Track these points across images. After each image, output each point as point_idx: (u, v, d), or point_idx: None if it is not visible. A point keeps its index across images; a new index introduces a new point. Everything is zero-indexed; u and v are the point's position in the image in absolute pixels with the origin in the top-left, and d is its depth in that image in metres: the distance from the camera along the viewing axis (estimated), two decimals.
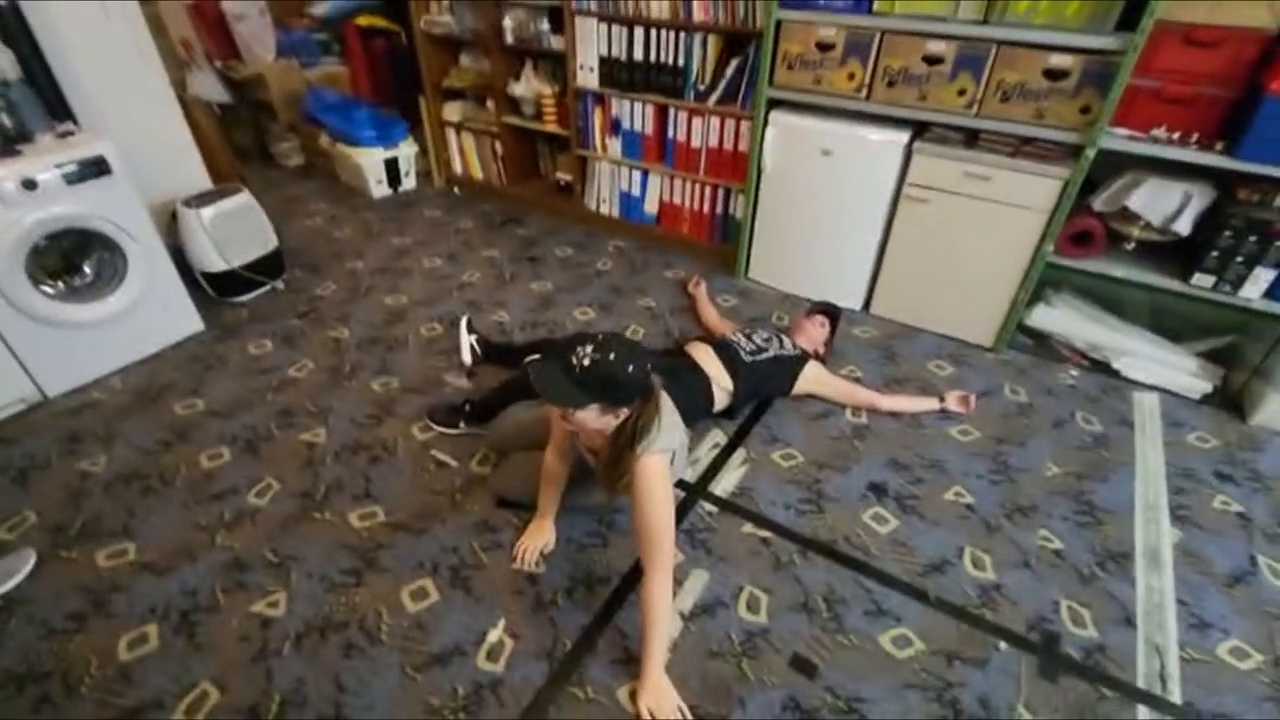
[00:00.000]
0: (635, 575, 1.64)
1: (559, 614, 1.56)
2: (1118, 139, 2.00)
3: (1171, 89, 1.92)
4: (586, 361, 1.24)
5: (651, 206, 3.22)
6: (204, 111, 3.66)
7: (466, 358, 2.32)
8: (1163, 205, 2.05)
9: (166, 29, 3.90)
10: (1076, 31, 1.93)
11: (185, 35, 3.89)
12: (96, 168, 2.09)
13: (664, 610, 1.37)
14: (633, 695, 1.38)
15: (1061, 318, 2.46)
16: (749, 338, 2.18)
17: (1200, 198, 2.03)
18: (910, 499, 1.89)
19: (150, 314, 2.37)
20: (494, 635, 1.51)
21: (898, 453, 2.05)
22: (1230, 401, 2.27)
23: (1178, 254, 2.14)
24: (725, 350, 2.10)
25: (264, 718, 1.34)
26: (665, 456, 1.38)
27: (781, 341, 2.21)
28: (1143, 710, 1.40)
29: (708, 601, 1.59)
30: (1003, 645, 1.51)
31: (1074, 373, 2.43)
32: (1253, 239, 1.94)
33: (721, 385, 2.04)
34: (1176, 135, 1.95)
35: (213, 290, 2.68)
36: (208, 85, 3.88)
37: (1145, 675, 1.47)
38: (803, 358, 2.20)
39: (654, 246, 3.24)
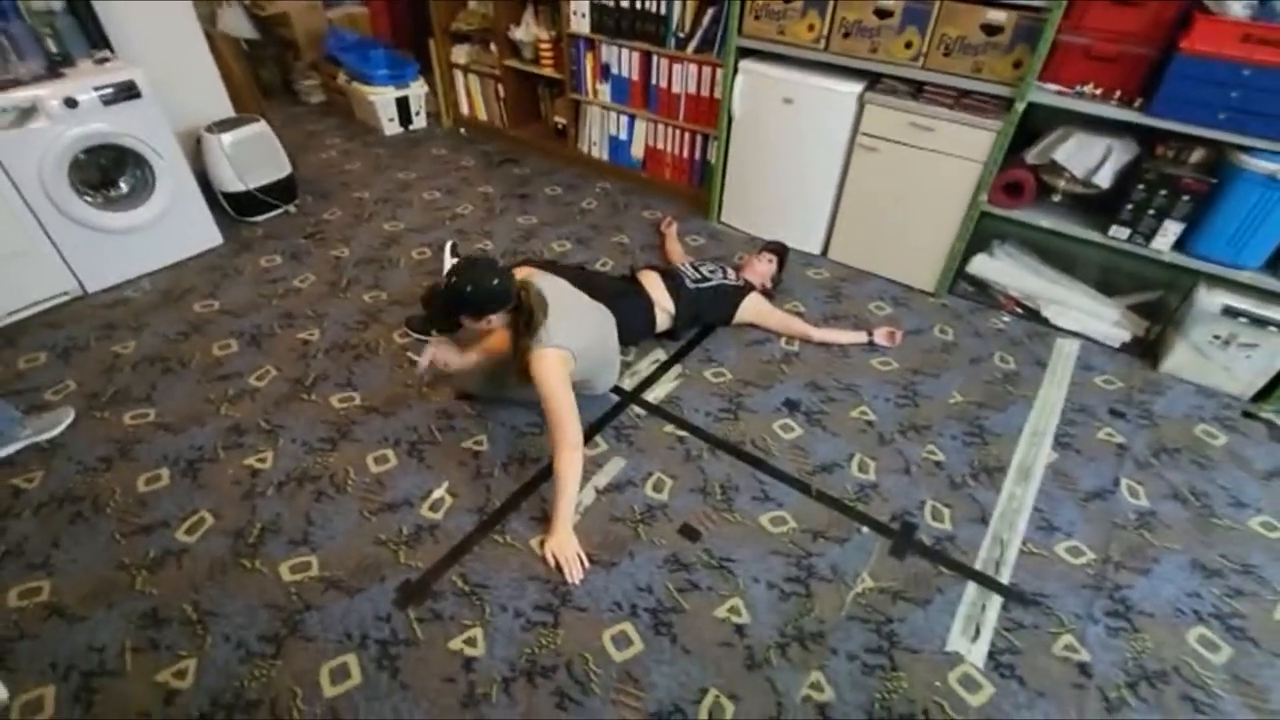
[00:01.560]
0: None
1: (494, 482, 1.86)
2: (1047, 94, 2.13)
3: (1099, 47, 2.04)
4: (444, 286, 1.60)
5: (638, 150, 3.42)
6: (230, 46, 3.92)
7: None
8: (1086, 159, 2.19)
9: None
10: None
11: None
12: (128, 91, 2.38)
13: (568, 479, 1.65)
14: (542, 544, 1.68)
15: (1001, 267, 2.61)
16: (695, 268, 2.41)
17: (1121, 152, 2.16)
18: (819, 414, 2.13)
19: (176, 225, 2.70)
20: (438, 493, 1.82)
21: (818, 377, 2.28)
22: (1148, 350, 2.42)
23: (1101, 207, 2.27)
24: (672, 278, 2.34)
25: (247, 538, 1.69)
26: (559, 353, 1.65)
27: (726, 273, 2.43)
28: (971, 586, 1.65)
29: (620, 482, 1.88)
30: (864, 530, 1.77)
31: (1006, 318, 2.60)
32: (1163, 193, 2.07)
33: (664, 308, 2.29)
34: (1100, 91, 2.07)
35: (231, 210, 3.00)
36: (236, 21, 4.14)
37: (983, 561, 1.71)
38: (744, 289, 2.42)
39: (637, 189, 3.45)
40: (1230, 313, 2.12)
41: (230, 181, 2.90)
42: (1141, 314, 2.49)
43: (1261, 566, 1.72)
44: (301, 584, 1.59)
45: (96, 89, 2.33)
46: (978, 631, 1.56)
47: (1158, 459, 2.02)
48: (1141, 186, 2.10)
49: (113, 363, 2.25)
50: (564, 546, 1.64)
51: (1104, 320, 2.47)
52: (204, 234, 2.83)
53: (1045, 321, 2.55)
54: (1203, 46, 1.83)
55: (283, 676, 1.41)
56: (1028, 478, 1.94)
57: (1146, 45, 1.97)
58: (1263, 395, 2.22)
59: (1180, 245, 2.15)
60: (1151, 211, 2.12)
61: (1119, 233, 2.20)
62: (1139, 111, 2.01)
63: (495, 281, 1.61)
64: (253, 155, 2.93)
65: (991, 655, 1.51)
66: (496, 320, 1.66)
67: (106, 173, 2.59)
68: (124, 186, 2.63)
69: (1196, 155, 2.07)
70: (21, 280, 2.39)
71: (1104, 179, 2.17)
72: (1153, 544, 1.77)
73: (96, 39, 2.57)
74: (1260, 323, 2.08)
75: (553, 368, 1.63)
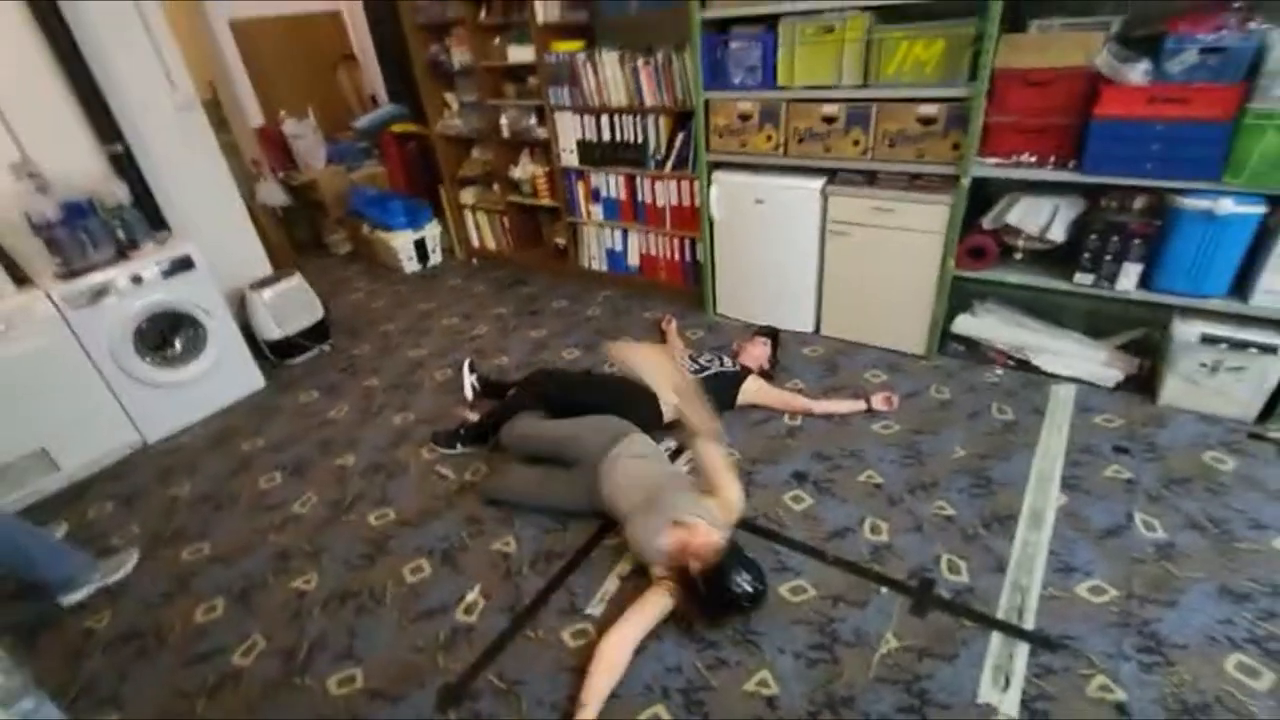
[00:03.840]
0: (587, 549, 2.03)
1: (522, 580, 1.96)
2: (986, 167, 2.36)
3: (1025, 121, 2.28)
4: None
5: (634, 259, 3.72)
6: (267, 213, 4.44)
7: (468, 393, 2.81)
8: (1037, 218, 2.38)
9: (240, 151, 4.79)
10: (936, 85, 2.34)
11: (255, 155, 4.76)
12: (184, 264, 2.74)
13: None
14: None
15: (985, 324, 2.75)
16: (694, 359, 2.59)
17: (1068, 208, 2.35)
18: (827, 482, 2.21)
19: (224, 375, 2.99)
20: (471, 596, 1.92)
21: (823, 447, 2.38)
22: (1144, 386, 2.49)
23: (1063, 258, 2.43)
24: None
25: (297, 657, 1.79)
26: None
27: (723, 361, 2.61)
28: (995, 636, 1.66)
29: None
30: (883, 590, 1.81)
31: (999, 372, 2.70)
32: (1115, 239, 2.24)
33: (668, 400, 2.44)
34: (1035, 159, 2.30)
35: (272, 355, 3.31)
36: (273, 193, 4.69)
37: (1005, 610, 1.73)
38: (743, 374, 2.58)
39: (637, 293, 3.72)
40: (1209, 340, 2.21)
41: (271, 330, 3.22)
42: (1132, 352, 2.58)
43: None
44: (348, 697, 1.67)
45: (157, 264, 2.69)
46: (1008, 681, 1.56)
47: (1169, 490, 2.05)
48: (1094, 236, 2.27)
49: (170, 505, 2.45)
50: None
51: (1095, 362, 2.56)
52: (249, 379, 3.11)
53: (1038, 370, 2.64)
54: (1114, 111, 2.06)
55: None
56: (1039, 523, 1.98)
57: (1066, 116, 2.20)
58: (1266, 415, 2.26)
59: (1146, 284, 2.28)
60: (1109, 257, 2.27)
61: (1083, 279, 2.34)
62: (1074, 171, 2.22)
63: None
64: (290, 305, 3.27)
65: (1024, 704, 1.51)
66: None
67: (163, 335, 2.91)
68: (178, 346, 2.94)
69: (1140, 202, 2.25)
70: (91, 437, 2.65)
71: (1057, 234, 2.34)
72: (1175, 575, 1.77)
73: (157, 223, 2.98)
74: (1239, 345, 2.17)
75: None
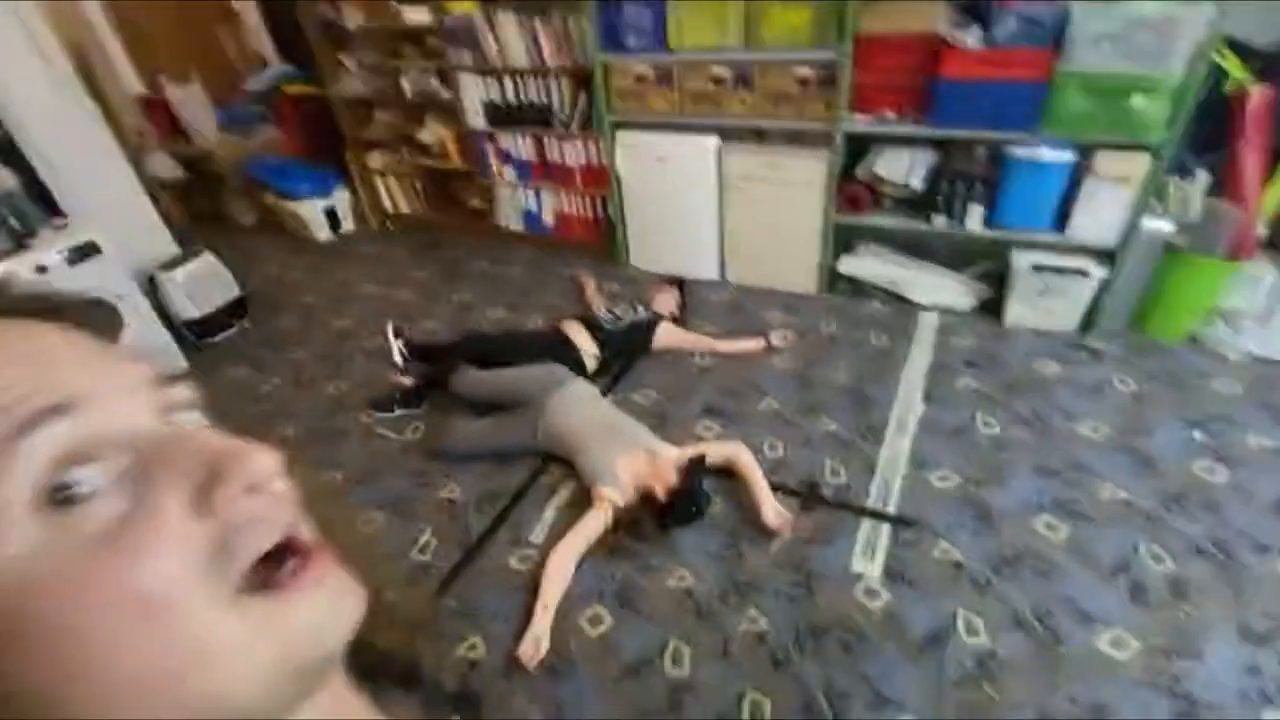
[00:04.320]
0: (524, 488, 2.27)
1: (470, 520, 2.19)
2: (856, 123, 2.66)
3: (887, 80, 2.58)
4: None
5: (549, 218, 3.86)
6: (166, 191, 4.26)
7: (397, 359, 2.94)
8: (898, 168, 2.72)
9: (120, 122, 4.51)
10: (808, 49, 2.59)
11: (138, 125, 4.50)
12: (89, 250, 2.70)
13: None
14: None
15: (865, 263, 3.11)
16: (610, 311, 2.83)
17: (925, 159, 2.69)
18: (732, 412, 2.54)
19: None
20: (424, 539, 2.14)
21: (729, 382, 2.69)
22: (993, 310, 2.93)
23: (924, 204, 2.79)
24: (591, 324, 2.74)
25: None
26: None
27: (637, 309, 2.86)
28: (866, 522, 2.05)
29: (577, 498, 2.23)
30: (779, 495, 2.16)
31: (878, 305, 3.09)
32: (962, 185, 2.61)
33: (589, 352, 2.68)
34: (895, 115, 2.61)
35: (193, 335, 3.29)
36: (164, 165, 4.48)
37: (873, 500, 2.12)
38: (655, 320, 2.84)
39: (555, 252, 3.88)
40: (1038, 269, 2.64)
41: (188, 310, 3.20)
42: (985, 281, 3.01)
43: (1089, 463, 2.18)
44: None
45: (59, 252, 2.64)
46: (874, 554, 1.95)
47: (1005, 394, 2.49)
48: (945, 182, 2.63)
49: None
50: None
51: (954, 292, 2.98)
52: (170, 361, 3.10)
53: (909, 301, 3.04)
54: (955, 72, 2.38)
55: None
56: (904, 429, 2.38)
57: (919, 76, 2.51)
58: (1086, 328, 2.73)
59: (989, 223, 2.67)
60: (958, 200, 2.64)
61: (939, 220, 2.72)
62: (927, 125, 2.55)
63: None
64: (203, 284, 3.25)
65: (886, 570, 1.90)
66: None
67: None
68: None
69: (981, 152, 2.62)
70: None
71: (916, 182, 2.69)
72: (1005, 459, 2.21)
73: (51, 209, 2.88)
74: (1060, 271, 2.61)
75: None
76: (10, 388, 0.25)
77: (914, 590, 1.84)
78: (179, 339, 3.18)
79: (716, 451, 2.26)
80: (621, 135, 3.14)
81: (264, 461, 0.28)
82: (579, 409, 2.29)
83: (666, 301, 2.97)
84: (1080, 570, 1.84)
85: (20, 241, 2.65)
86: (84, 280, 2.69)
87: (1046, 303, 2.72)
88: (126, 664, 0.24)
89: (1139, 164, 2.29)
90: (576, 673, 1.72)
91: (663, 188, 3.19)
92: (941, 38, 2.38)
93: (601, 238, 3.74)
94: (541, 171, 3.66)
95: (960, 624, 1.74)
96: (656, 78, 2.89)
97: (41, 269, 2.57)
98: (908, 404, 2.49)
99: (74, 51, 4.33)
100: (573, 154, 3.49)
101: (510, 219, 3.98)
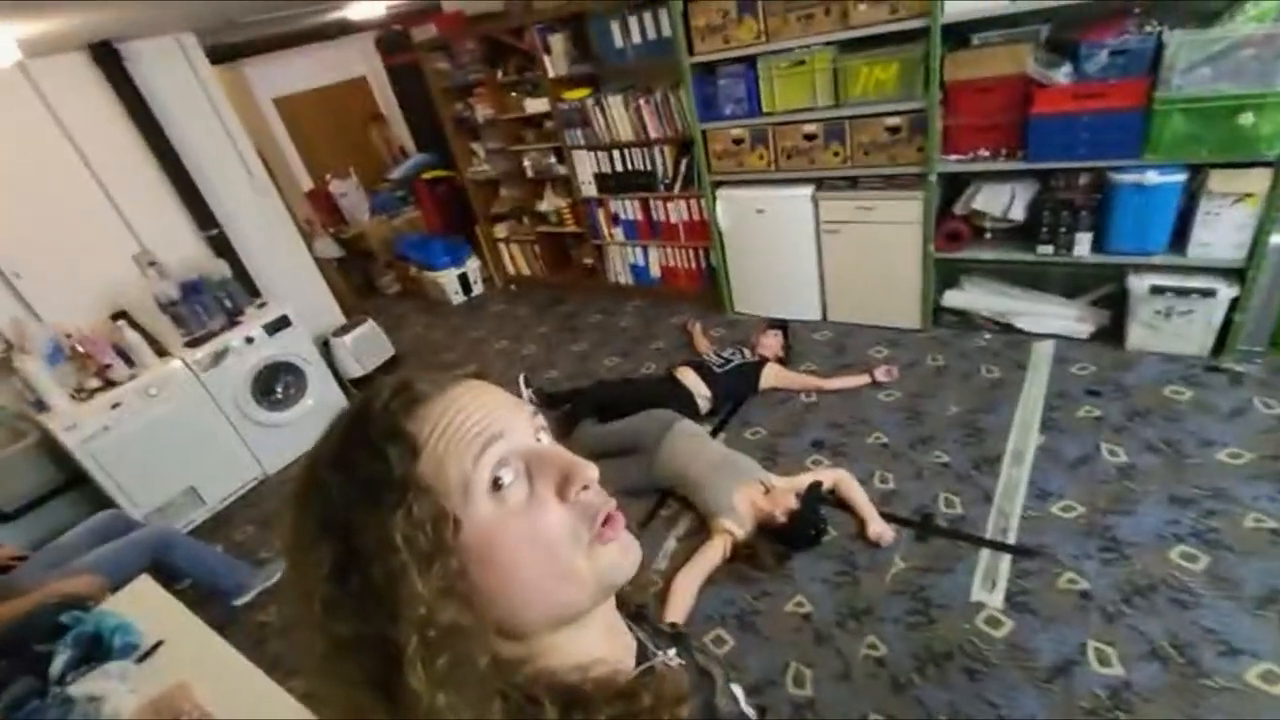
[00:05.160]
0: (647, 520, 2.48)
1: None
2: (949, 164, 2.75)
3: (977, 122, 2.67)
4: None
5: (656, 271, 4.17)
6: (328, 268, 5.00)
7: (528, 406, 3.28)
8: (997, 202, 2.76)
9: (295, 213, 5.36)
10: (897, 99, 2.74)
11: (308, 215, 5.33)
12: (282, 323, 3.28)
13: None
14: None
15: (971, 296, 3.12)
16: (718, 354, 3.03)
17: (1024, 191, 2.73)
18: (841, 446, 2.63)
19: (322, 411, 3.51)
20: None
21: (836, 417, 2.79)
22: (1113, 336, 2.85)
23: (1027, 234, 2.80)
24: (702, 368, 2.95)
25: None
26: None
27: (743, 354, 3.04)
28: (984, 552, 2.07)
29: (693, 529, 2.41)
30: (893, 526, 2.22)
31: (986, 337, 3.08)
32: (1065, 213, 2.61)
33: (701, 394, 2.88)
34: (988, 153, 2.68)
35: (356, 390, 3.83)
36: (327, 247, 5.26)
37: (992, 531, 2.13)
38: (761, 363, 3.01)
39: (662, 301, 4.16)
40: (1157, 290, 2.57)
41: (354, 369, 3.75)
42: (1103, 306, 2.93)
43: (1230, 489, 2.08)
44: None
45: (262, 325, 3.23)
46: (994, 584, 1.97)
47: (1132, 421, 2.42)
48: (1047, 212, 2.64)
49: None
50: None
51: (1069, 319, 2.92)
52: None
53: (1020, 331, 3.01)
54: (1047, 108, 2.44)
55: None
56: (1021, 460, 2.37)
57: (1010, 114, 2.58)
58: (1219, 349, 2.60)
59: (1099, 248, 2.64)
60: (1063, 228, 2.64)
61: (1044, 250, 2.72)
62: (1022, 160, 2.60)
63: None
64: (367, 346, 3.80)
65: (1008, 599, 1.91)
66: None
67: (269, 382, 3.45)
68: (280, 392, 3.48)
69: (1084, 179, 2.62)
70: (226, 473, 3.21)
71: (1017, 213, 2.72)
72: (1133, 489, 2.15)
73: (252, 290, 3.53)
74: (1183, 292, 2.52)
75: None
76: (478, 421, 0.48)
77: (1038, 619, 1.84)
78: (347, 396, 3.72)
79: (822, 479, 2.36)
80: (721, 192, 3.40)
81: (591, 471, 0.50)
82: (691, 448, 2.48)
83: (771, 344, 3.13)
84: (1222, 601, 1.76)
85: (232, 319, 3.27)
86: (280, 347, 3.27)
87: (1172, 325, 2.63)
88: (531, 577, 0.46)
89: (1260, 179, 2.22)
90: None
91: (762, 237, 3.40)
92: (1030, 77, 2.46)
93: (705, 286, 3.98)
94: (648, 229, 3.98)
95: (1090, 654, 1.72)
96: (752, 139, 3.14)
97: (249, 340, 3.16)
98: (1024, 434, 2.47)
99: (260, 157, 5.25)
100: (676, 212, 3.79)
101: (620, 274, 4.32)
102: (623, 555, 0.50)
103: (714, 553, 2.16)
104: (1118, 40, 2.26)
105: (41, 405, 2.77)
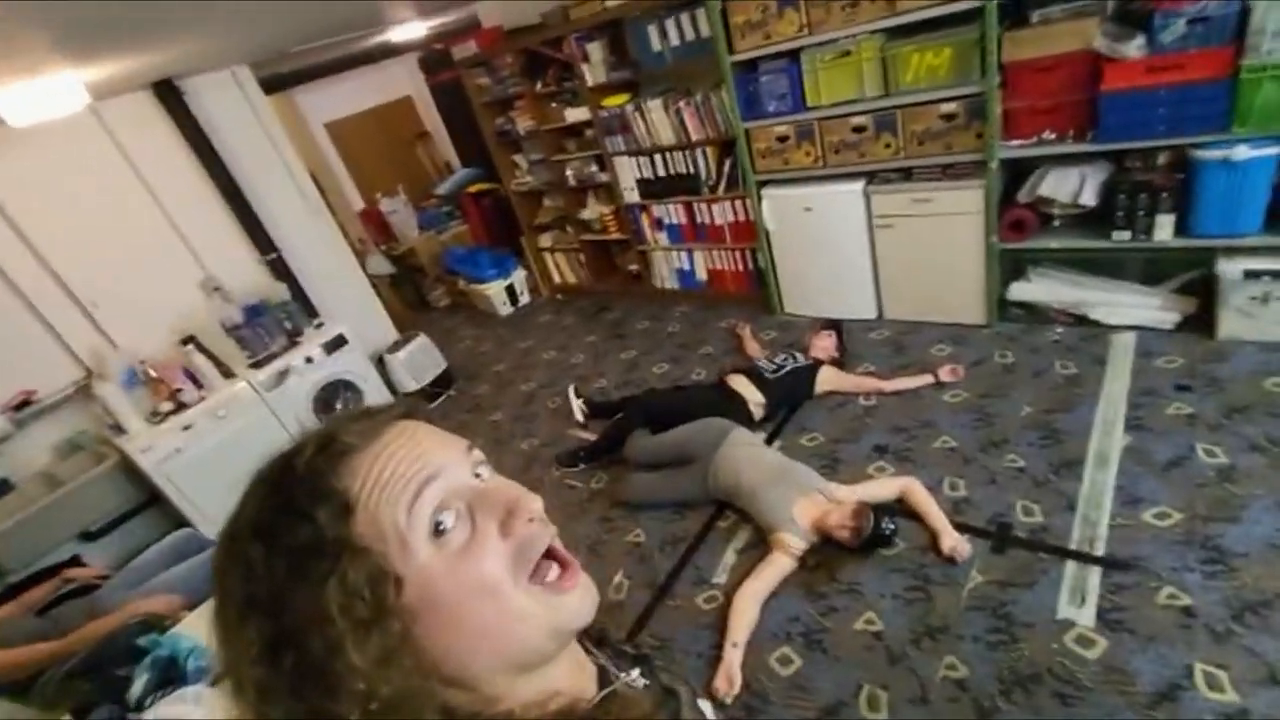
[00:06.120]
0: (704, 532, 2.42)
1: (655, 563, 2.37)
2: (1011, 149, 2.60)
3: (1039, 104, 2.51)
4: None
5: (701, 274, 4.10)
6: (380, 285, 5.12)
7: (578, 416, 3.27)
8: (1066, 187, 2.59)
9: (347, 232, 5.52)
10: (951, 85, 2.60)
11: (360, 234, 5.48)
12: (339, 342, 3.36)
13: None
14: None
15: (1040, 287, 2.94)
16: (771, 360, 2.94)
17: (1095, 174, 2.55)
18: (905, 451, 2.51)
19: None
20: (617, 579, 2.35)
21: (899, 420, 2.67)
22: (1202, 325, 2.63)
23: (1100, 219, 2.62)
24: (754, 374, 2.87)
25: None
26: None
27: (795, 357, 2.94)
28: (1070, 564, 1.93)
29: (754, 540, 2.33)
30: (966, 536, 2.09)
31: (1059, 330, 2.89)
32: (1143, 195, 2.43)
33: (755, 401, 2.80)
34: (1054, 135, 2.52)
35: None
36: (379, 264, 5.39)
37: (1078, 541, 1.98)
38: (816, 366, 2.91)
39: (710, 305, 4.09)
40: (1252, 275, 2.36)
41: (408, 384, 3.82)
42: (1188, 293, 2.71)
43: None
44: None
45: (320, 345, 3.31)
46: (1083, 599, 1.82)
47: (1230, 419, 2.22)
48: (1123, 195, 2.46)
49: None
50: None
51: (1151, 308, 2.72)
52: None
53: (1097, 323, 2.81)
54: (1118, 83, 2.27)
55: None
56: (1106, 463, 2.20)
57: (1076, 93, 2.42)
58: None
59: (1182, 231, 2.45)
60: (1141, 212, 2.46)
61: (1121, 236, 2.53)
62: (1092, 142, 2.43)
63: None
64: (419, 361, 3.86)
65: (1100, 616, 1.77)
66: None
67: (329, 400, 3.54)
68: (339, 407, 3.57)
69: (1163, 158, 2.43)
70: None
71: (1088, 198, 2.55)
72: (1237, 494, 1.97)
73: (310, 311, 3.63)
74: None
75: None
76: (410, 466, 0.44)
77: (1136, 639, 1.70)
78: None
79: (887, 488, 2.26)
80: (767, 191, 3.31)
81: (536, 504, 0.48)
82: (746, 458, 2.39)
83: (825, 345, 3.02)
84: None
85: (292, 339, 3.37)
86: (338, 365, 3.35)
87: (1270, 311, 2.40)
88: (479, 622, 0.43)
89: None
90: (771, 711, 1.79)
91: (811, 235, 3.29)
92: (1098, 52, 2.30)
93: (754, 288, 3.89)
94: (692, 233, 3.92)
95: (1199, 677, 1.58)
96: (797, 135, 3.05)
97: (309, 359, 3.25)
98: (1108, 435, 2.31)
99: (314, 180, 5.42)
100: (720, 214, 3.71)
101: (666, 279, 4.28)
102: (582, 601, 0.48)
103: (776, 568, 2.08)
104: (1196, 7, 2.08)
105: (119, 429, 2.91)
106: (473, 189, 5.52)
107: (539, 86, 4.02)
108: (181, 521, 2.90)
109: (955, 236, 2.88)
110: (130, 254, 3.19)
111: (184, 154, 3.32)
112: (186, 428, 2.93)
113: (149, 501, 2.97)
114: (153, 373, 3.05)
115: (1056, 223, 2.74)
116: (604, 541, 2.54)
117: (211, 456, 2.99)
